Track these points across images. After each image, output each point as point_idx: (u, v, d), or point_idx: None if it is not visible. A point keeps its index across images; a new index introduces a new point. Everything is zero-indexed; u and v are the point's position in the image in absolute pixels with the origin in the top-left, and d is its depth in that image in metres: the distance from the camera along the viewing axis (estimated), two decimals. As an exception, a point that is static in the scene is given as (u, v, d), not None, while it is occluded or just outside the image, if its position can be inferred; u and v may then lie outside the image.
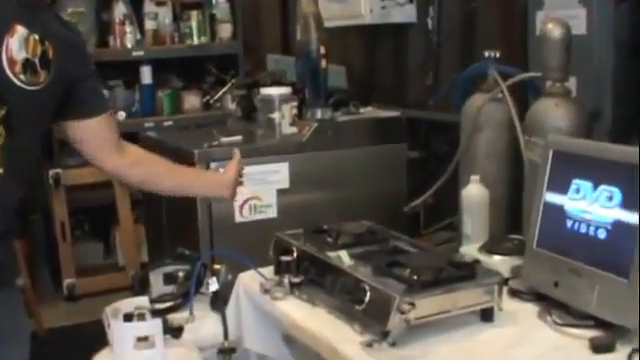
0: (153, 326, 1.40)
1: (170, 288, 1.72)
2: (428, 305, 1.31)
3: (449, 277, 1.40)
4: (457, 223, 2.05)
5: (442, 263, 1.45)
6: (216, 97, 3.37)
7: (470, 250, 1.70)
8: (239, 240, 2.18)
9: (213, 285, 1.67)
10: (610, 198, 1.31)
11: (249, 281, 1.67)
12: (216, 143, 2.25)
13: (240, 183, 1.73)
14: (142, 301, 1.48)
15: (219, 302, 1.66)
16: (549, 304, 1.37)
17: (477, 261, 1.57)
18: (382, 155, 2.44)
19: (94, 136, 1.35)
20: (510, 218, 1.92)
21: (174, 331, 1.45)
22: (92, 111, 1.33)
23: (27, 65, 1.19)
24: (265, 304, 1.55)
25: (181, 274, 1.73)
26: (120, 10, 3.33)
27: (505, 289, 1.45)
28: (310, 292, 1.53)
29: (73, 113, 1.32)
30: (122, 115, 3.26)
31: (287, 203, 2.28)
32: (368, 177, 2.42)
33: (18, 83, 1.20)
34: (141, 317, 1.41)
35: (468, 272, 1.42)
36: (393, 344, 1.27)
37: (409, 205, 2.45)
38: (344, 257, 1.54)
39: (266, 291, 1.56)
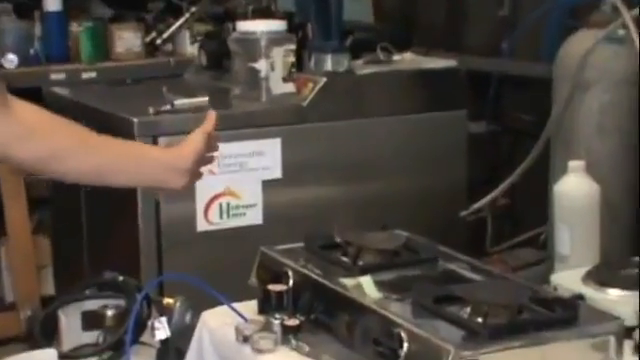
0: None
1: (92, 335, 1.72)
2: None
3: (534, 321, 1.41)
4: (547, 236, 2.08)
5: (522, 299, 1.45)
6: (166, 35, 3.15)
7: (569, 279, 1.68)
8: (203, 260, 2.21)
9: (161, 330, 1.67)
10: None
11: (218, 324, 1.67)
12: (167, 107, 2.25)
13: (208, 160, 1.55)
14: (46, 357, 1.47)
15: (170, 356, 1.67)
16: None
17: (580, 297, 1.56)
18: (428, 129, 2.44)
19: None
20: (636, 231, 1.93)
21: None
22: None
23: None
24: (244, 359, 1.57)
25: (110, 313, 1.73)
26: None
27: (628, 343, 1.46)
28: (314, 341, 1.54)
29: None
30: (13, 60, 3.05)
31: (279, 202, 2.30)
32: (405, 163, 2.43)
33: None
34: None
35: (566, 314, 1.43)
36: None
37: (470, 207, 2.45)
38: (368, 287, 1.53)
39: (245, 339, 1.57)
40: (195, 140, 1.51)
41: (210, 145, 1.54)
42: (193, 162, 1.50)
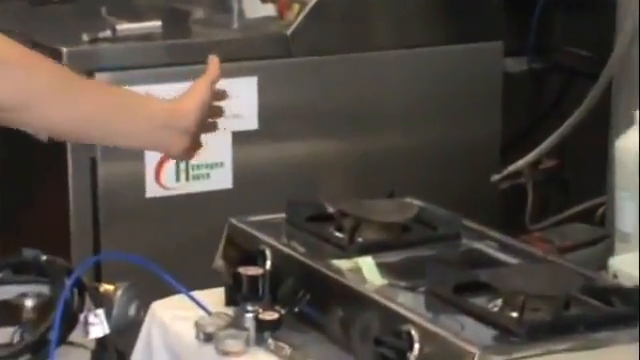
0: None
1: (6, 333, 1.71)
2: None
3: (586, 318, 1.42)
4: (606, 208, 2.09)
5: (571, 288, 1.46)
6: None
7: (633, 264, 1.69)
8: (153, 235, 2.23)
9: (98, 326, 1.68)
10: None
11: (172, 318, 1.69)
12: (107, 34, 2.25)
13: (217, 112, 1.55)
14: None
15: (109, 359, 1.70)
16: None
17: (647, 288, 1.58)
18: (450, 66, 2.46)
19: None
20: None
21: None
22: None
23: None
24: None
25: (30, 304, 1.73)
26: None
27: None
28: (298, 341, 1.57)
29: None
30: None
31: (253, 160, 2.32)
32: (420, 110, 2.44)
33: None
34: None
35: (628, 309, 1.43)
36: None
37: (505, 170, 2.45)
38: (369, 271, 1.55)
39: (208, 338, 1.60)
40: (199, 91, 1.50)
41: (217, 97, 1.53)
42: (197, 120, 1.48)
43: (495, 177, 2.44)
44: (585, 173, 2.61)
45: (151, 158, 2.23)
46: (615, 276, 1.66)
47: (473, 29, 2.46)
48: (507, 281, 1.46)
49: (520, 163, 2.44)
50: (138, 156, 2.21)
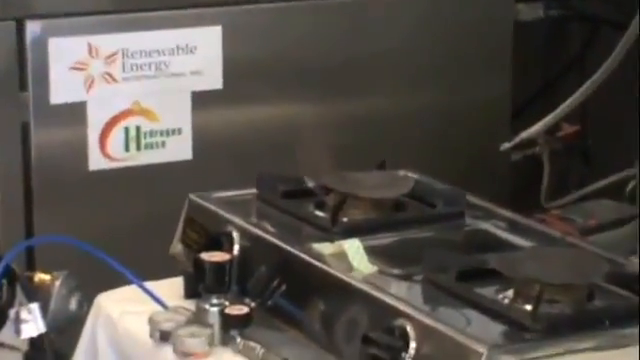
0: None
1: None
2: None
3: (612, 311, 1.44)
4: (637, 184, 2.10)
5: (595, 276, 1.47)
6: None
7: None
8: (98, 215, 2.24)
9: (32, 324, 1.68)
10: None
11: (121, 313, 1.70)
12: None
13: None
14: None
15: (46, 363, 1.70)
16: None
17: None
18: (452, 12, 2.47)
19: None
20: None
21: None
22: None
23: None
24: None
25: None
26: None
27: None
28: (271, 339, 1.57)
29: None
30: None
31: (217, 126, 2.33)
32: (416, 66, 2.45)
33: None
34: None
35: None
36: None
37: (516, 137, 2.46)
38: (356, 257, 1.56)
39: (164, 337, 1.60)
40: None
41: None
42: None
43: (505, 146, 2.44)
44: (611, 141, 2.63)
45: (95, 122, 2.23)
46: (648, 263, 1.68)
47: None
48: (519, 268, 1.47)
49: (534, 129, 2.43)
50: (79, 120, 2.21)
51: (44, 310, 1.67)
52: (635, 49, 2.23)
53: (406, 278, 1.52)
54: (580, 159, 2.79)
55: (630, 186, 2.38)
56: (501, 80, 2.50)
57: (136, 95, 2.26)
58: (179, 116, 2.29)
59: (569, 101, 2.37)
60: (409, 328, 1.37)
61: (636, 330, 1.39)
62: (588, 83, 2.31)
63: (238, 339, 1.56)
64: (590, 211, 2.28)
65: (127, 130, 2.26)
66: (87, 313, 1.72)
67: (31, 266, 1.92)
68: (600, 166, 2.66)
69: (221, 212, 1.71)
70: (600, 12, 2.68)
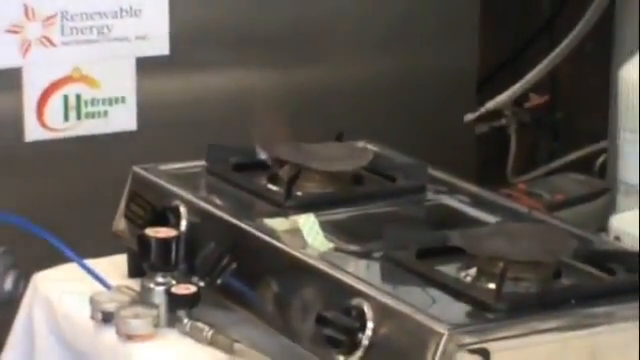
0: None
1: None
2: (524, 358, 1.35)
3: (580, 290, 1.44)
4: (608, 156, 2.09)
5: (563, 253, 1.48)
6: None
7: (635, 224, 1.73)
8: (35, 189, 2.23)
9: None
10: None
11: (60, 293, 1.70)
12: None
13: None
14: None
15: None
16: None
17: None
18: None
19: None
20: None
21: None
22: None
23: None
24: (102, 351, 1.61)
25: None
26: None
27: None
28: (220, 320, 1.58)
29: None
30: None
31: (164, 95, 2.33)
32: (375, 29, 2.46)
33: None
34: None
35: (631, 279, 1.45)
36: None
37: (482, 107, 2.47)
38: (310, 232, 1.57)
39: (106, 318, 1.61)
40: None
41: None
42: None
43: (470, 117, 2.46)
44: (581, 112, 2.64)
45: (32, 90, 2.22)
46: (617, 238, 1.70)
47: None
48: (483, 244, 1.48)
49: (500, 99, 2.45)
50: (14, 87, 2.20)
51: (-22, 291, 1.68)
52: (606, 15, 2.24)
53: (364, 255, 1.53)
54: (548, 131, 2.81)
55: (601, 160, 2.40)
56: (467, 47, 2.51)
57: (76, 61, 2.24)
58: (123, 84, 2.28)
59: (537, 69, 2.39)
60: (366, 308, 1.38)
61: (604, 310, 1.40)
62: (557, 50, 2.33)
63: (185, 320, 1.56)
64: (558, 186, 2.30)
65: (66, 98, 2.25)
66: (24, 292, 1.72)
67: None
68: (569, 139, 2.67)
69: (167, 185, 1.71)
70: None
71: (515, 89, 2.43)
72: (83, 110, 2.26)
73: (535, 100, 2.69)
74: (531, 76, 2.40)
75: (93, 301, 1.61)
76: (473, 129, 2.52)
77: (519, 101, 2.57)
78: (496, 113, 2.55)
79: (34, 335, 1.70)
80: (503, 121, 2.64)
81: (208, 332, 1.54)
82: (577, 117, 2.71)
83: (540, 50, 2.54)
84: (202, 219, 1.64)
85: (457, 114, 2.47)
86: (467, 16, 2.51)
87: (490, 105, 2.46)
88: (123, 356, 1.57)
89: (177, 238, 1.61)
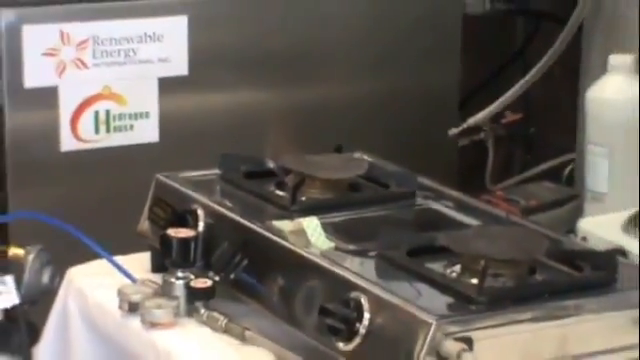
0: None
1: None
2: (502, 346, 1.35)
3: (552, 284, 1.44)
4: (575, 166, 2.08)
5: (537, 252, 1.48)
6: None
7: (604, 226, 1.72)
8: (70, 193, 2.22)
9: (6, 295, 1.66)
10: None
11: (92, 286, 1.70)
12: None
13: None
14: None
15: (19, 333, 1.66)
16: None
17: (620, 251, 1.59)
18: (405, 4, 2.46)
19: None
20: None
21: None
22: None
23: None
24: (129, 337, 1.60)
25: None
26: None
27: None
28: (233, 311, 1.58)
29: None
30: None
31: (183, 110, 2.32)
32: (370, 55, 2.45)
33: None
34: None
35: (598, 275, 1.46)
36: None
37: (463, 123, 2.47)
38: (314, 233, 1.56)
39: (132, 308, 1.60)
40: None
41: None
42: None
43: (453, 131, 2.45)
44: (551, 128, 2.64)
45: (67, 106, 2.21)
46: (584, 239, 1.69)
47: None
48: (466, 244, 1.47)
49: (480, 116, 2.45)
50: (52, 104, 2.19)
51: (18, 283, 1.66)
52: (575, 42, 2.24)
53: (361, 254, 1.52)
54: (522, 144, 2.81)
55: (568, 170, 2.40)
56: (450, 70, 2.50)
57: (106, 80, 2.24)
58: (147, 101, 2.27)
59: (512, 90, 2.38)
60: (363, 300, 1.38)
61: (574, 303, 1.40)
62: (530, 74, 2.33)
63: (202, 310, 1.56)
64: (531, 192, 2.29)
65: (97, 113, 2.24)
66: (59, 286, 1.71)
67: (5, 241, 1.90)
68: (541, 151, 2.67)
69: (186, 191, 1.71)
70: (542, 7, 2.69)
71: (493, 107, 2.42)
72: (112, 124, 2.26)
73: (510, 117, 2.69)
74: (507, 96, 2.39)
75: (120, 293, 1.61)
76: (456, 142, 2.52)
77: (496, 118, 2.57)
78: (476, 128, 2.54)
79: (68, 323, 1.70)
80: (482, 135, 2.63)
81: (222, 321, 1.54)
82: (547, 132, 2.70)
83: (515, 73, 2.54)
84: (217, 221, 1.63)
85: (442, 129, 2.46)
86: (450, 43, 2.51)
87: (471, 121, 2.45)
88: (147, 341, 1.56)
89: (195, 238, 1.61)
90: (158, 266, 1.66)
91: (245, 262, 1.57)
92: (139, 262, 1.69)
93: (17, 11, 2.17)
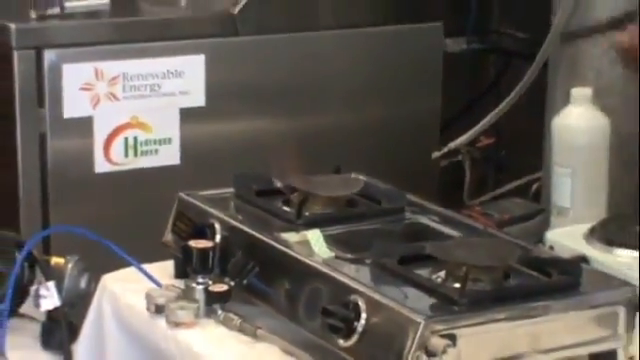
0: None
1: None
2: (482, 342, 1.34)
3: (524, 288, 1.44)
4: (542, 184, 2.08)
5: (510, 260, 1.47)
6: None
7: (569, 237, 1.72)
8: (103, 209, 2.22)
9: (49, 299, 1.67)
10: None
11: (123, 290, 1.69)
12: (55, 11, 2.23)
13: None
14: None
15: (60, 332, 1.67)
16: None
17: (583, 258, 1.60)
18: (392, 46, 2.47)
19: None
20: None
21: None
22: None
23: None
24: (155, 335, 1.61)
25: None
26: None
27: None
28: (247, 312, 1.57)
29: None
30: None
31: (201, 136, 2.32)
32: (363, 89, 2.46)
33: None
34: None
35: (564, 280, 1.45)
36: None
37: (444, 147, 2.46)
38: (316, 244, 1.55)
39: (158, 310, 1.60)
40: None
41: None
42: None
43: (435, 154, 2.45)
44: (520, 151, 2.64)
45: (100, 133, 2.22)
46: (551, 248, 1.69)
47: (415, 10, 2.47)
48: (450, 253, 1.47)
49: (458, 141, 2.44)
50: (87, 132, 2.20)
51: (59, 288, 1.68)
52: (540, 77, 2.24)
53: (358, 262, 1.51)
54: (495, 165, 2.81)
55: (535, 187, 2.40)
56: (433, 101, 2.51)
57: (134, 111, 2.25)
58: (169, 128, 2.28)
59: (487, 118, 2.38)
60: (360, 302, 1.37)
61: (543, 304, 1.39)
62: (502, 104, 2.32)
63: (219, 312, 1.55)
64: (504, 207, 2.29)
65: (126, 140, 2.25)
66: (94, 290, 1.71)
67: (48, 251, 1.90)
68: (511, 171, 2.68)
69: (205, 207, 1.70)
70: (513, 46, 2.70)
71: (470, 133, 2.42)
72: (139, 149, 2.26)
73: (484, 141, 2.69)
74: (482, 123, 2.39)
75: (148, 296, 1.60)
76: (438, 163, 2.52)
77: (472, 142, 2.57)
78: (455, 151, 2.54)
79: (103, 323, 1.69)
80: (460, 157, 2.63)
81: (237, 321, 1.53)
82: (516, 155, 2.71)
83: (489, 104, 2.53)
84: (232, 233, 1.63)
85: (425, 152, 2.47)
86: (432, 77, 2.52)
87: (451, 145, 2.45)
88: (171, 338, 1.56)
89: (213, 248, 1.60)
90: (181, 273, 1.65)
91: (256, 269, 1.57)
92: (164, 269, 1.69)
93: (58, 51, 2.19)
